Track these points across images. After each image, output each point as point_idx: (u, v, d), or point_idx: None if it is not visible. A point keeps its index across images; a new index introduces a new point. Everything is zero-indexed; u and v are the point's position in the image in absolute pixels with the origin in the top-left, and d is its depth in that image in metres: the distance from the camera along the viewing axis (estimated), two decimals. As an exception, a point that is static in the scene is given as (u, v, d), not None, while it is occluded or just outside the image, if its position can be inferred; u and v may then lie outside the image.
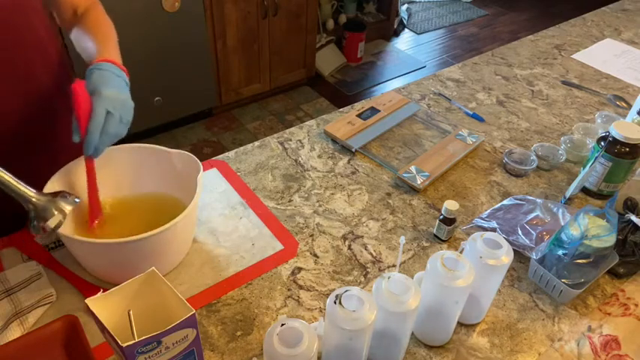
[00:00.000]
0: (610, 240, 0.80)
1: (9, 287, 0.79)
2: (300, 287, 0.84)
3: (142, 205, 0.92)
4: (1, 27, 0.78)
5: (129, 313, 0.56)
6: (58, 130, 0.94)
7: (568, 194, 1.01)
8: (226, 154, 1.11)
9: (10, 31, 0.80)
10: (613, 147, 0.97)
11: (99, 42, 0.84)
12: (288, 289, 0.84)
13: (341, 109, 1.28)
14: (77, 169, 0.83)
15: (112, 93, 0.74)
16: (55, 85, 0.92)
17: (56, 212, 0.68)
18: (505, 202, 1.00)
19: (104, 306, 0.58)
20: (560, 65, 1.51)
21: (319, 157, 1.12)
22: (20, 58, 0.83)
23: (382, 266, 0.89)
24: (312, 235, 0.93)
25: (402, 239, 0.66)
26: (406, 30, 3.79)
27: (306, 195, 1.02)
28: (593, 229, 0.80)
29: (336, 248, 0.91)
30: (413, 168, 1.06)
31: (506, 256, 0.71)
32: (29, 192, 0.68)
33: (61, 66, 0.94)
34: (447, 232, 0.92)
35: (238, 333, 0.77)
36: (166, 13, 2.21)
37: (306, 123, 1.22)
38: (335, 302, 0.62)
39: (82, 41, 0.88)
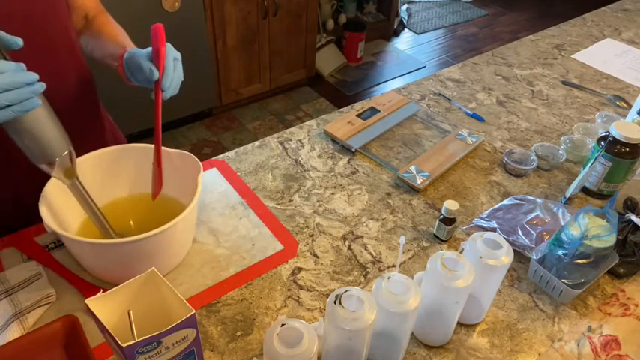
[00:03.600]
0: (610, 240, 0.80)
1: (9, 287, 0.79)
2: (300, 287, 0.84)
3: (141, 206, 0.92)
4: (36, 32, 0.81)
5: (129, 313, 0.56)
6: (82, 121, 0.96)
7: (568, 194, 1.01)
8: (226, 154, 1.11)
9: (43, 34, 0.82)
10: (613, 147, 0.97)
11: (124, 37, 0.90)
12: (288, 289, 0.84)
13: (341, 109, 1.28)
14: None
15: (171, 47, 0.82)
16: (80, 80, 0.94)
17: None
18: (505, 202, 1.00)
19: (104, 306, 0.58)
20: (560, 65, 1.51)
21: (319, 157, 1.12)
22: (51, 58, 0.86)
23: (382, 266, 0.89)
24: (312, 235, 0.93)
25: (402, 239, 0.66)
26: (406, 30, 3.79)
27: (306, 195, 1.02)
28: (593, 229, 0.80)
29: (336, 248, 0.91)
30: (413, 168, 1.06)
31: (506, 256, 0.71)
32: (115, 235, 0.82)
33: (84, 62, 0.97)
34: (447, 232, 0.92)
35: (238, 333, 0.77)
36: (166, 13, 2.21)
37: (306, 123, 1.22)
38: (335, 302, 0.62)
39: (97, 40, 0.91)
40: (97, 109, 1.02)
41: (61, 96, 0.89)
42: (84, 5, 0.94)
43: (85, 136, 0.97)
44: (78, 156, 0.84)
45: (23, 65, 0.64)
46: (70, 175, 0.75)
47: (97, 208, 0.79)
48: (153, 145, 0.89)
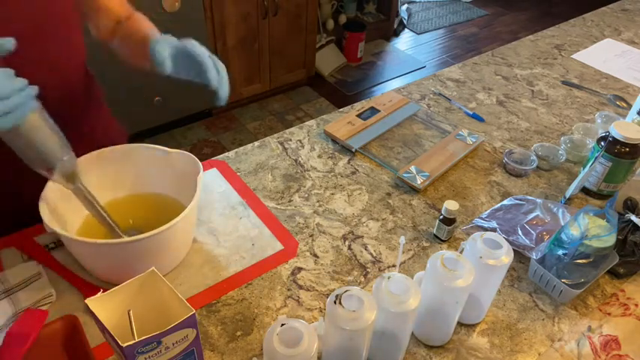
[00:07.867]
0: (610, 240, 0.80)
1: (9, 287, 0.79)
2: (300, 287, 0.84)
3: (141, 206, 0.92)
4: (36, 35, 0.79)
5: (129, 313, 0.56)
6: (81, 116, 0.96)
7: (568, 194, 1.01)
8: (226, 154, 1.11)
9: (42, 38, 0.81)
10: (613, 147, 0.97)
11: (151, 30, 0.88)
12: (288, 289, 0.84)
13: (341, 109, 1.28)
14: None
15: (196, 44, 0.81)
16: (80, 78, 0.94)
17: None
18: (505, 202, 1.00)
19: (104, 306, 0.58)
20: (560, 65, 1.51)
21: (319, 157, 1.12)
22: (52, 54, 0.84)
23: (382, 266, 0.89)
24: (312, 235, 0.93)
25: (402, 239, 0.66)
26: (406, 30, 3.79)
27: (306, 195, 1.02)
28: (593, 229, 0.80)
29: (336, 248, 0.91)
30: (413, 168, 1.06)
31: (506, 256, 0.71)
32: (122, 234, 0.81)
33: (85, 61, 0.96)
34: (447, 232, 0.91)
35: (238, 333, 0.77)
36: (166, 13, 2.21)
37: (306, 123, 1.22)
38: (335, 302, 0.62)
39: (131, 38, 0.88)
40: (99, 106, 1.01)
41: (64, 97, 0.88)
42: (112, 9, 0.90)
43: (91, 137, 0.97)
44: (83, 154, 0.84)
45: (11, 71, 0.61)
46: (72, 179, 0.74)
47: (102, 210, 0.79)
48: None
